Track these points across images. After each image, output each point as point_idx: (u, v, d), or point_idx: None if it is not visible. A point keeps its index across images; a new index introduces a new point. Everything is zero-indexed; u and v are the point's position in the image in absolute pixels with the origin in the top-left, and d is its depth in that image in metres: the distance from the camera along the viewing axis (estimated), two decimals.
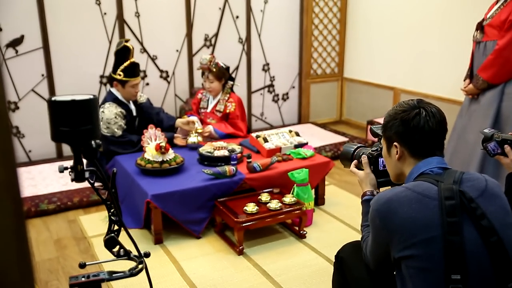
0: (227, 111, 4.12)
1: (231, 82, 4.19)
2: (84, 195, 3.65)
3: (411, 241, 1.32)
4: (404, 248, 1.34)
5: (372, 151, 1.77)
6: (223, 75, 4.08)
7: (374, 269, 1.59)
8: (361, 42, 5.38)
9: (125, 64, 3.62)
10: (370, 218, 1.44)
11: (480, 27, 3.20)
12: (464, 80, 3.35)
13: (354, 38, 5.49)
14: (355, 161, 1.81)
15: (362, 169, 1.77)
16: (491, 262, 1.31)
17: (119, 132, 3.63)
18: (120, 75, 3.62)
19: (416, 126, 1.43)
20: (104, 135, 3.57)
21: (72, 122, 1.28)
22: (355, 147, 1.88)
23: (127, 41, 3.64)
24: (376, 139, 1.78)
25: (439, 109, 1.48)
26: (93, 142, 1.34)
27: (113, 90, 3.71)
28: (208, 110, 4.20)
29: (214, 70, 4.01)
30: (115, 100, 3.68)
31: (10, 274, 0.67)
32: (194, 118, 3.99)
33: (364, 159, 1.74)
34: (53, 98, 1.29)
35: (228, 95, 4.15)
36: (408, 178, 1.49)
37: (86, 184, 3.72)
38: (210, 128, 4.00)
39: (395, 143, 1.49)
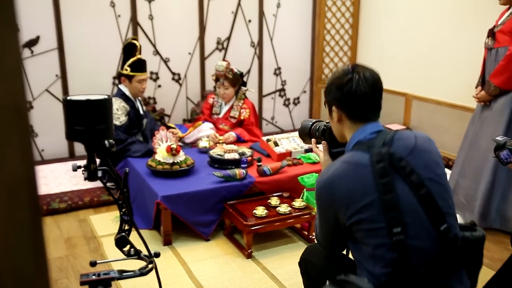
0: (242, 117, 4.13)
1: (245, 88, 4.21)
2: (95, 195, 3.68)
3: (355, 208, 1.43)
4: (351, 215, 1.45)
5: (327, 123, 1.82)
6: (238, 81, 4.10)
7: (328, 251, 1.69)
8: (373, 48, 5.38)
9: (132, 59, 3.71)
10: (316, 198, 1.55)
11: (491, 33, 3.18)
12: (476, 87, 3.34)
13: (366, 43, 5.48)
14: (314, 139, 1.86)
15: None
16: (424, 211, 1.43)
17: (116, 123, 3.64)
18: (126, 70, 3.71)
19: (349, 91, 1.52)
20: None
21: (86, 121, 1.30)
22: (312, 121, 1.91)
23: (134, 38, 3.75)
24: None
25: (372, 72, 1.56)
26: (106, 142, 1.36)
27: (121, 87, 3.79)
28: (221, 116, 4.21)
29: (230, 76, 4.03)
30: (122, 96, 3.74)
31: (25, 269, 0.69)
32: (207, 126, 4.01)
33: (324, 145, 1.80)
34: (68, 98, 1.31)
35: (242, 101, 4.16)
36: (347, 146, 1.60)
37: (97, 184, 3.75)
38: (232, 134, 4.01)
39: (333, 107, 1.59)
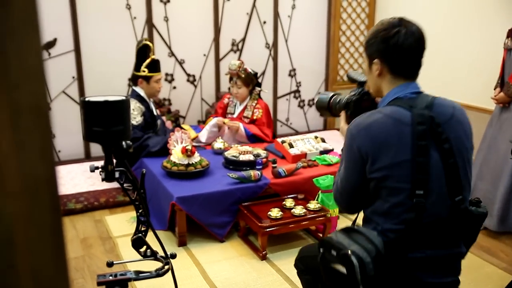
0: (254, 117, 4.14)
1: (259, 88, 4.21)
2: (110, 196, 3.71)
3: (385, 163, 1.45)
4: (379, 169, 1.46)
5: (351, 95, 1.77)
6: (251, 81, 4.10)
7: (346, 208, 1.65)
8: None
9: (148, 60, 3.76)
10: (348, 144, 1.52)
11: (511, 34, 3.14)
12: (495, 89, 3.29)
13: None
14: (344, 112, 1.77)
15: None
16: (446, 180, 1.48)
17: (133, 123, 3.68)
18: (144, 71, 3.76)
19: (395, 44, 1.50)
20: None
21: (104, 122, 1.31)
22: (331, 94, 1.88)
23: (146, 40, 3.80)
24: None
25: (418, 27, 1.56)
26: (124, 143, 1.37)
27: (136, 88, 3.82)
28: (235, 116, 4.22)
29: (243, 76, 4.04)
30: (137, 97, 3.78)
31: (45, 269, 0.69)
32: (215, 120, 4.04)
33: (343, 113, 1.77)
34: (86, 99, 1.32)
35: (255, 101, 4.17)
36: (384, 99, 1.58)
37: (112, 185, 3.78)
38: (239, 124, 4.03)
39: (375, 60, 1.56)
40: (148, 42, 3.78)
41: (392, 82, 1.57)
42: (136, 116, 3.74)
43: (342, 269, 1.42)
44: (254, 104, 4.17)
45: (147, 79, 3.79)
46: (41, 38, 0.65)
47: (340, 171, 1.62)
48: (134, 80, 3.85)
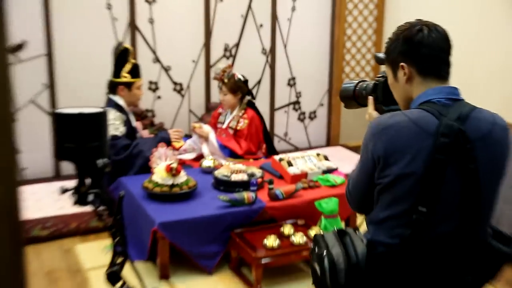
0: (238, 127, 4.15)
1: (248, 97, 4.23)
2: (82, 221, 3.66)
3: (394, 172, 1.47)
4: (386, 176, 1.48)
5: (378, 77, 1.78)
6: (239, 88, 4.12)
7: (355, 207, 1.70)
8: None
9: (128, 65, 3.78)
10: (364, 141, 1.56)
11: None
12: None
13: None
14: (371, 97, 1.78)
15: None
16: (460, 201, 1.47)
17: (116, 132, 3.69)
18: (125, 77, 3.77)
19: (420, 41, 1.53)
20: None
21: (78, 138, 1.28)
22: (356, 81, 1.86)
23: (121, 43, 3.85)
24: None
25: (441, 27, 1.59)
26: (100, 161, 1.34)
27: (114, 97, 3.80)
28: (224, 126, 4.24)
29: (227, 81, 4.06)
30: (116, 106, 3.77)
31: None
32: (208, 129, 4.07)
33: (370, 99, 1.78)
34: (58, 111, 1.30)
35: (243, 111, 4.18)
36: (415, 101, 1.57)
37: (85, 208, 3.72)
38: (208, 129, 4.07)
39: (401, 64, 1.57)
40: (127, 46, 3.81)
41: (424, 84, 1.57)
42: (118, 126, 3.74)
43: (318, 268, 1.51)
44: (240, 114, 4.18)
45: (128, 85, 3.80)
46: (6, 39, 0.63)
47: (353, 170, 1.68)
48: (112, 88, 3.83)
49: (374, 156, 1.51)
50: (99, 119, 1.33)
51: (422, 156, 1.45)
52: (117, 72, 3.79)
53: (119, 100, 3.81)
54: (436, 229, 1.48)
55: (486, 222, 1.55)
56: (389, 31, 5.43)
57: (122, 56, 3.76)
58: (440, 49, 1.56)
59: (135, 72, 3.82)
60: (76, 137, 1.30)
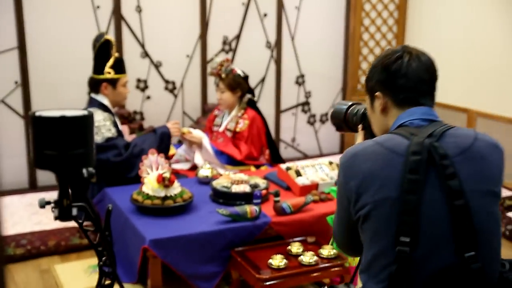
0: (237, 129, 4.18)
1: (249, 95, 4.25)
2: (62, 238, 3.69)
3: (367, 201, 1.50)
4: (361, 208, 1.52)
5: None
6: (238, 85, 4.15)
7: (343, 250, 1.76)
8: (425, 50, 5.38)
9: (112, 60, 3.82)
10: (337, 176, 1.63)
11: None
12: None
13: (415, 44, 5.48)
14: (361, 126, 1.86)
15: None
16: (451, 227, 1.46)
17: (110, 134, 3.77)
18: (109, 73, 3.81)
19: (398, 70, 1.59)
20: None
21: (60, 144, 1.31)
22: (349, 104, 1.92)
23: (106, 35, 3.86)
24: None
25: (427, 54, 1.65)
26: (84, 171, 1.36)
27: (97, 97, 3.83)
28: (221, 129, 4.26)
29: (224, 77, 4.08)
30: (101, 106, 3.81)
31: None
32: (199, 134, 4.11)
33: (360, 129, 1.85)
34: (37, 113, 1.32)
35: (243, 111, 4.21)
36: (390, 130, 1.64)
37: (64, 224, 3.76)
38: (200, 135, 4.11)
39: (377, 93, 1.65)
40: (109, 37, 3.83)
41: (398, 115, 1.64)
42: (110, 127, 3.80)
43: None
44: (240, 114, 4.21)
45: (113, 83, 3.84)
46: None
47: (336, 209, 1.71)
48: (95, 86, 3.86)
49: (346, 188, 1.56)
50: (84, 122, 1.35)
51: (393, 179, 1.48)
52: (99, 68, 3.81)
53: (103, 99, 3.84)
54: (429, 264, 1.47)
55: (491, 253, 1.52)
56: (412, 21, 5.47)
57: (103, 49, 3.78)
58: (419, 80, 1.60)
59: (119, 67, 3.86)
60: (57, 143, 1.32)
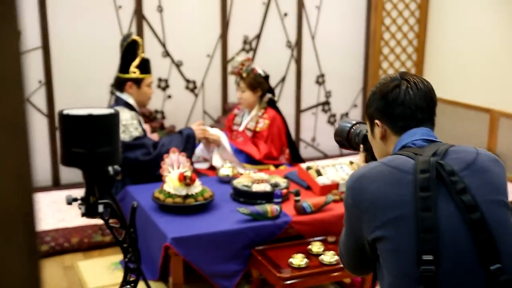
0: (257, 129, 4.20)
1: (269, 95, 4.26)
2: (85, 235, 3.73)
3: (382, 220, 1.50)
4: (376, 228, 1.51)
5: None
6: (259, 84, 4.16)
7: (350, 270, 1.76)
8: (447, 49, 5.36)
9: (138, 60, 3.88)
10: (344, 200, 1.63)
11: None
12: None
13: (436, 43, 5.47)
14: (362, 146, 1.88)
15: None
16: (471, 241, 1.46)
17: (137, 133, 3.86)
18: (134, 72, 3.86)
19: (395, 99, 1.62)
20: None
21: (87, 142, 1.33)
22: (353, 123, 1.94)
23: (130, 34, 3.93)
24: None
25: (424, 80, 1.66)
26: (110, 168, 1.39)
27: (123, 95, 3.88)
28: (241, 129, 4.28)
29: (245, 76, 4.10)
30: (126, 105, 3.85)
31: None
32: (217, 132, 4.13)
33: (361, 149, 1.88)
34: (65, 112, 1.35)
35: (263, 111, 4.22)
36: (392, 153, 1.66)
37: (87, 221, 3.80)
38: (219, 133, 4.13)
39: (376, 121, 1.68)
40: (136, 38, 3.90)
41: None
42: (137, 126, 3.88)
43: None
44: (260, 114, 4.22)
45: (137, 82, 3.89)
46: (20, 37, 0.68)
47: (342, 232, 1.72)
48: (120, 85, 3.91)
49: (356, 211, 1.56)
50: (111, 121, 1.38)
51: (405, 197, 1.49)
52: (124, 67, 3.86)
53: (128, 98, 3.89)
54: (455, 281, 1.46)
55: (510, 257, 1.51)
56: (434, 20, 5.44)
57: (130, 49, 3.83)
58: (417, 108, 1.62)
59: (144, 67, 3.91)
60: (85, 141, 1.34)
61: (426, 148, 1.58)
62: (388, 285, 1.52)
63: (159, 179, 3.61)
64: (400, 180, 1.51)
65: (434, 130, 1.68)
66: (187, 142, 3.94)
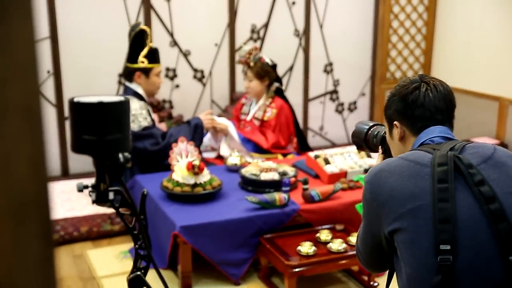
0: (265, 118, 4.20)
1: (277, 84, 4.27)
2: (94, 224, 3.76)
3: (399, 212, 1.52)
4: (393, 220, 1.53)
5: None
6: (266, 73, 4.17)
7: (366, 267, 1.78)
8: (456, 37, 5.33)
9: (146, 49, 3.91)
10: (363, 194, 1.64)
11: None
12: None
13: (445, 31, 5.44)
14: (380, 148, 1.89)
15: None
16: (490, 231, 1.47)
17: (146, 123, 3.90)
18: (143, 62, 3.88)
19: (415, 101, 1.64)
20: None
21: (98, 129, 1.34)
22: (370, 124, 1.95)
23: (139, 24, 3.96)
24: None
25: (444, 83, 1.69)
26: (121, 155, 1.39)
27: (132, 85, 3.91)
28: (248, 118, 4.29)
29: (252, 65, 4.11)
30: (135, 95, 3.88)
31: None
32: (225, 122, 4.17)
33: (380, 150, 1.89)
34: (76, 99, 1.36)
35: (270, 100, 4.23)
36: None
37: (97, 210, 3.83)
38: (226, 122, 4.16)
39: (395, 122, 1.70)
40: (144, 27, 3.92)
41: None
42: (146, 116, 3.92)
43: None
44: (268, 103, 4.23)
45: (146, 72, 3.92)
46: (35, 23, 0.68)
47: (360, 227, 1.74)
48: (128, 74, 3.94)
49: (374, 204, 1.58)
50: (122, 108, 1.38)
51: (423, 188, 1.51)
52: (133, 57, 3.89)
53: (137, 88, 3.92)
54: (473, 271, 1.46)
55: None
56: (443, 8, 5.41)
57: (138, 38, 3.84)
58: (436, 110, 1.65)
59: (153, 57, 3.94)
60: (95, 128, 1.35)
61: (444, 144, 1.59)
62: (406, 277, 1.53)
63: (167, 168, 3.63)
64: (418, 173, 1.53)
65: (452, 129, 1.69)
66: (195, 132, 3.96)
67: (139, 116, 3.86)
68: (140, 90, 3.93)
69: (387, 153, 1.85)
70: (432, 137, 1.63)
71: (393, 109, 1.69)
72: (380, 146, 1.89)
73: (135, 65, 3.89)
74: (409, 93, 1.65)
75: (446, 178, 1.49)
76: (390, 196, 1.53)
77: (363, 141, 1.95)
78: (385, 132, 1.85)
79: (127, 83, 3.97)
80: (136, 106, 3.86)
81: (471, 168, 1.51)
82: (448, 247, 1.44)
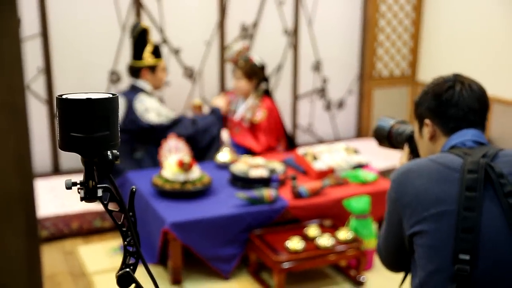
0: (255, 119, 4.20)
1: (264, 85, 4.27)
2: (84, 221, 3.74)
3: (423, 215, 1.49)
4: (416, 223, 1.50)
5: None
6: (255, 73, 4.16)
7: (386, 266, 1.75)
8: (442, 35, 5.34)
9: (150, 46, 4.01)
10: (387, 193, 1.62)
11: None
12: None
13: (433, 30, 5.45)
14: (407, 148, 1.85)
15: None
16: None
17: (173, 114, 4.00)
18: (149, 58, 3.99)
19: (449, 100, 1.60)
20: (161, 124, 3.92)
21: (86, 126, 1.32)
22: (392, 121, 1.93)
23: (141, 23, 4.07)
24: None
25: (478, 84, 1.65)
26: (109, 153, 1.38)
27: (140, 82, 3.98)
28: (236, 118, 4.27)
29: (242, 65, 4.11)
30: (144, 92, 3.99)
31: None
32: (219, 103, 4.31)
33: (406, 148, 1.85)
34: (63, 96, 1.33)
35: (259, 100, 4.22)
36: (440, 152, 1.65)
37: (87, 207, 3.81)
38: (219, 104, 4.29)
39: (426, 121, 1.66)
40: (145, 26, 4.02)
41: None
42: (167, 108, 4.07)
43: None
44: (256, 104, 4.22)
45: (152, 68, 3.99)
46: (18, 17, 0.67)
47: (382, 226, 1.72)
48: (135, 72, 3.99)
49: (398, 204, 1.56)
50: (110, 105, 1.36)
51: (450, 194, 1.48)
52: (138, 55, 3.95)
53: (145, 84, 3.96)
54: (490, 284, 1.44)
55: None
56: (430, 6, 5.41)
57: (141, 37, 3.92)
58: (470, 110, 1.60)
59: (157, 52, 4.05)
60: (83, 125, 1.33)
61: (476, 149, 1.55)
62: (419, 281, 1.51)
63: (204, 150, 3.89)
64: (446, 177, 1.50)
65: (484, 133, 1.65)
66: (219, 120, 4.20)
67: (162, 110, 3.96)
68: (148, 87, 4.01)
69: (414, 153, 1.81)
70: (464, 141, 1.59)
71: (425, 106, 1.65)
72: (407, 145, 1.85)
73: (142, 62, 3.95)
74: (444, 91, 1.61)
75: (475, 186, 1.46)
76: (415, 197, 1.51)
77: (386, 138, 1.93)
78: (412, 131, 1.82)
79: (134, 81, 4.00)
80: (152, 101, 3.95)
81: (502, 178, 1.47)
82: (468, 257, 1.42)
